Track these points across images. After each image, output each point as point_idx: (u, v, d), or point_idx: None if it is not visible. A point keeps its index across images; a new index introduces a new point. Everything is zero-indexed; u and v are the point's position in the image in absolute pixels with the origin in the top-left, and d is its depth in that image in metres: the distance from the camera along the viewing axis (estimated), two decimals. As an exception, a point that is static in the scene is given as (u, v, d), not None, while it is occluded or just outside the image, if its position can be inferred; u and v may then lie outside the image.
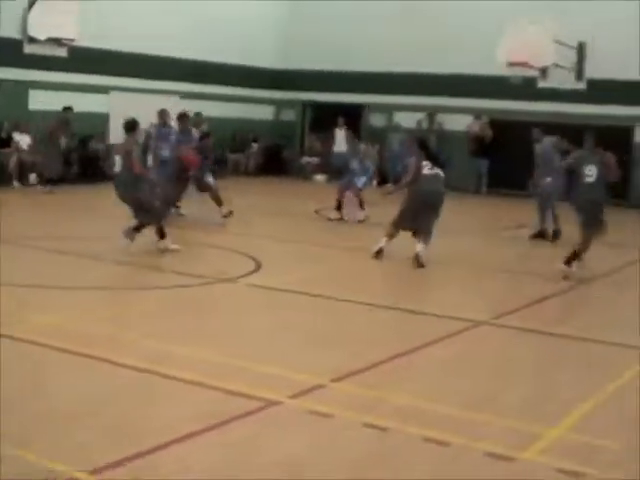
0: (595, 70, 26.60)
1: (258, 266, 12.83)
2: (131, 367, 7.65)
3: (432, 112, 28.36)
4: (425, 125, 28.18)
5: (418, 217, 13.87)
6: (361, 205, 19.38)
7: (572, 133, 26.48)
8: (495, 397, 7.49)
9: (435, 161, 14.16)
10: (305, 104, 32.02)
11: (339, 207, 19.40)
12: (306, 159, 30.26)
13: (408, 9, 29.76)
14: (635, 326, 10.15)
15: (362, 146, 21.74)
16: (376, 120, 30.31)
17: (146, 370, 7.58)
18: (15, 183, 22.67)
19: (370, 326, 9.96)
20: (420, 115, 28.73)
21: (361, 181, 19.74)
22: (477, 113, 28.22)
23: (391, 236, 13.93)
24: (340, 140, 29.26)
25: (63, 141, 23.47)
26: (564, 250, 13.70)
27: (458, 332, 9.65)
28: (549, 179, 17.35)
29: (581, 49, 26.89)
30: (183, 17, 27.99)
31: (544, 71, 26.65)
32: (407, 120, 28.60)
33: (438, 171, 14.02)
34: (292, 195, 21.43)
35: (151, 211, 13.77)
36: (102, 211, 18.54)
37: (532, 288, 12.55)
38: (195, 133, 18.88)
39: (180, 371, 7.56)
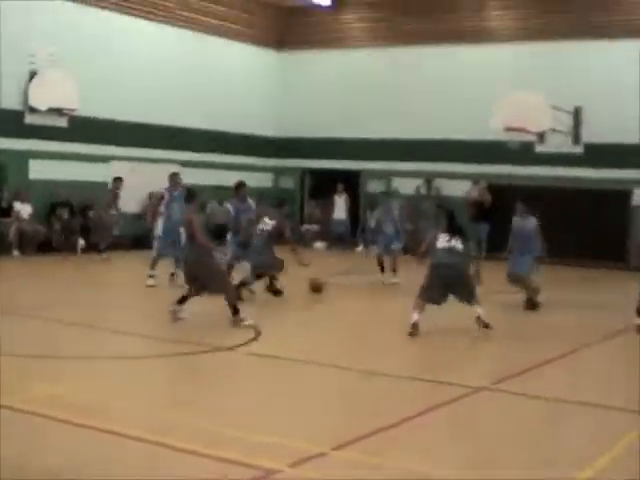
0: (592, 134, 26.91)
1: (258, 334, 12.84)
2: (131, 437, 7.63)
3: (430, 178, 28.55)
4: (423, 191, 28.36)
5: (442, 291, 13.65)
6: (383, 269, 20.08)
7: (570, 197, 27.06)
8: (496, 460, 7.49)
9: (456, 233, 13.80)
10: (304, 171, 32.27)
11: (383, 269, 20.09)
12: (306, 226, 30.43)
13: (404, 76, 30.25)
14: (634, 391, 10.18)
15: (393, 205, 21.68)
16: (374, 186, 30.57)
17: (146, 440, 7.56)
18: (15, 252, 22.79)
19: (369, 393, 9.92)
20: (418, 181, 28.92)
21: (398, 245, 20.24)
22: (475, 178, 28.39)
23: (421, 308, 13.49)
24: (339, 207, 29.56)
25: (114, 211, 24.21)
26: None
27: (458, 398, 9.61)
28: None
29: (577, 114, 27.18)
30: (184, 88, 28.49)
31: (541, 136, 26.91)
32: (405, 186, 28.74)
33: (455, 244, 13.65)
34: (291, 262, 21.40)
35: (224, 283, 13.86)
36: (102, 280, 18.64)
37: (526, 353, 12.55)
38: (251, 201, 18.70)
39: (179, 440, 7.54)
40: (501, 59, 28.83)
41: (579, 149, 27.36)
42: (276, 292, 16.81)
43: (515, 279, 16.81)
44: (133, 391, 9.54)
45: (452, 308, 13.82)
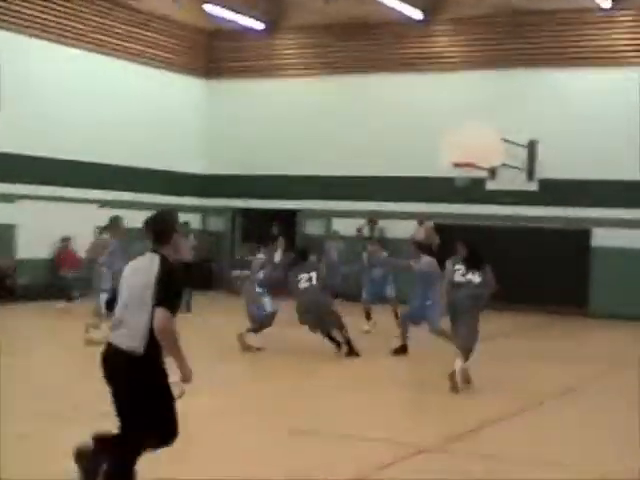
0: (547, 169, 27.32)
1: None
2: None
3: (373, 218, 28.73)
4: (366, 232, 28.54)
5: (455, 329, 14.02)
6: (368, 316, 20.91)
7: (525, 237, 27.47)
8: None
9: (474, 265, 14.07)
10: (235, 212, 32.29)
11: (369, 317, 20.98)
12: (236, 272, 30.24)
13: (345, 107, 30.46)
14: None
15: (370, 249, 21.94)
16: (313, 228, 30.67)
17: None
18: None
19: (307, 454, 9.97)
20: (360, 221, 29.10)
21: (392, 290, 20.77)
22: (422, 218, 28.65)
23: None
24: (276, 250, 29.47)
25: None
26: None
27: (404, 458, 9.73)
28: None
29: (531, 148, 27.58)
30: (102, 119, 28.38)
31: (493, 172, 27.19)
32: (346, 227, 29.02)
33: (472, 277, 13.93)
34: (220, 312, 21.55)
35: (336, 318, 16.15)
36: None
37: (477, 409, 12.72)
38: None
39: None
40: (450, 89, 29.24)
41: (533, 186, 27.75)
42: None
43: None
44: None
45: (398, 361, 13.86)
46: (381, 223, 28.79)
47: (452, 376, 13.43)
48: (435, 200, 28.82)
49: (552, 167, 27.22)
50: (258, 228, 29.61)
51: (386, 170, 29.65)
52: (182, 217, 26.36)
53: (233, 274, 29.17)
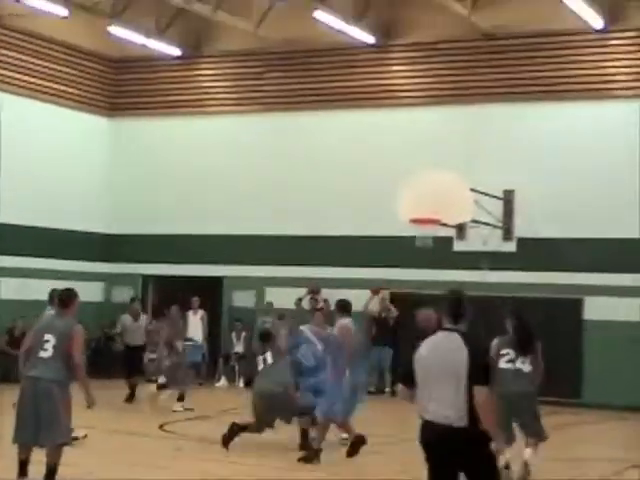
0: (528, 226, 27.08)
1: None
2: None
3: (315, 288, 28.33)
4: (306, 305, 28.13)
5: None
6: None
7: (501, 309, 27.05)
8: None
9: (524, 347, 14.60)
10: (146, 279, 31.82)
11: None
12: (148, 355, 29.63)
13: (280, 151, 30.53)
14: None
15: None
16: (241, 299, 30.37)
17: None
18: None
19: None
20: (300, 291, 28.70)
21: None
22: (375, 287, 28.33)
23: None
24: (194, 327, 28.97)
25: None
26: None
27: None
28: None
29: (508, 201, 27.33)
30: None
31: (461, 229, 26.93)
32: (283, 298, 28.66)
33: (522, 366, 14.55)
34: (130, 408, 21.11)
35: None
36: None
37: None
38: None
39: None
40: (408, 128, 29.35)
41: (511, 246, 27.49)
42: None
43: None
44: None
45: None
46: (325, 293, 28.38)
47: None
48: (391, 264, 28.70)
49: (533, 223, 26.93)
50: (174, 299, 29.08)
51: (330, 228, 29.60)
52: (80, 287, 26.29)
53: (144, 357, 28.62)
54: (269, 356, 17.67)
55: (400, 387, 9.74)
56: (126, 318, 25.10)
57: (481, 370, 8.85)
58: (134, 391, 24.21)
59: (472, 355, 8.88)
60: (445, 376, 8.89)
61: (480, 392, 8.71)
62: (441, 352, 9.03)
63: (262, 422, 17.28)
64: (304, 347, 18.90)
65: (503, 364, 14.49)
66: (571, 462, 17.98)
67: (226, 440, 17.03)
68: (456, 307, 9.42)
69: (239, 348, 29.21)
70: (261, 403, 17.28)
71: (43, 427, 12.83)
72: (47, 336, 13.02)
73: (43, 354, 12.96)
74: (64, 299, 13.41)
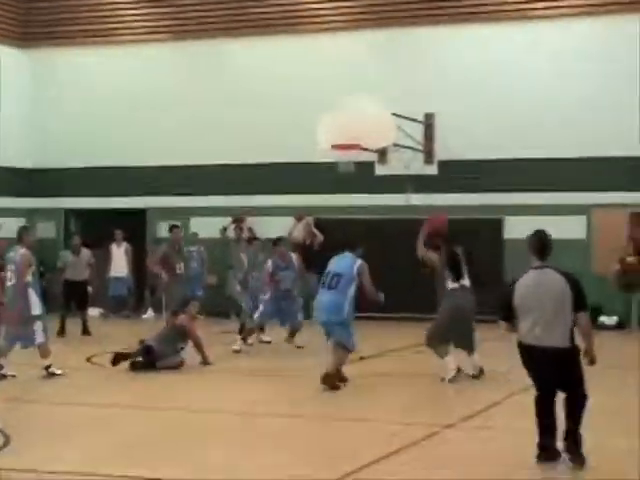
0: (449, 149, 27.49)
1: (6, 441, 12.52)
2: None
3: (240, 215, 28.53)
4: (232, 233, 28.41)
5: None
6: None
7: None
8: None
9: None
10: (68, 213, 31.81)
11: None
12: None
13: (200, 80, 30.63)
14: None
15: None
16: (166, 230, 30.51)
17: None
18: None
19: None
20: (225, 220, 28.96)
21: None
22: (299, 214, 28.62)
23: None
24: (119, 260, 29.17)
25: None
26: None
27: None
28: None
29: (429, 125, 27.72)
30: None
31: (383, 154, 27.24)
32: (207, 228, 28.93)
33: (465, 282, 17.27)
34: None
35: None
36: None
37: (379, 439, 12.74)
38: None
39: None
40: (326, 53, 29.52)
41: (433, 169, 27.87)
42: None
43: None
44: None
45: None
46: (250, 221, 28.63)
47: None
48: (314, 191, 29.00)
49: (454, 146, 27.34)
50: (98, 232, 29.24)
51: (253, 156, 29.80)
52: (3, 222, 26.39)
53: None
54: None
55: (503, 324, 11.43)
56: (66, 254, 25.19)
57: (582, 298, 10.80)
58: (64, 325, 24.40)
59: (573, 286, 10.77)
60: (552, 305, 10.75)
61: (583, 317, 10.80)
62: (546, 286, 10.85)
63: None
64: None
65: (450, 283, 16.32)
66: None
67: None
68: (543, 246, 11.14)
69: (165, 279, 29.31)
70: None
71: None
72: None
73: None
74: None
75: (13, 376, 17.69)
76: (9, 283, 17.86)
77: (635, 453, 11.27)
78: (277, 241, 22.33)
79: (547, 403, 11.17)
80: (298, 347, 21.89)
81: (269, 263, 21.86)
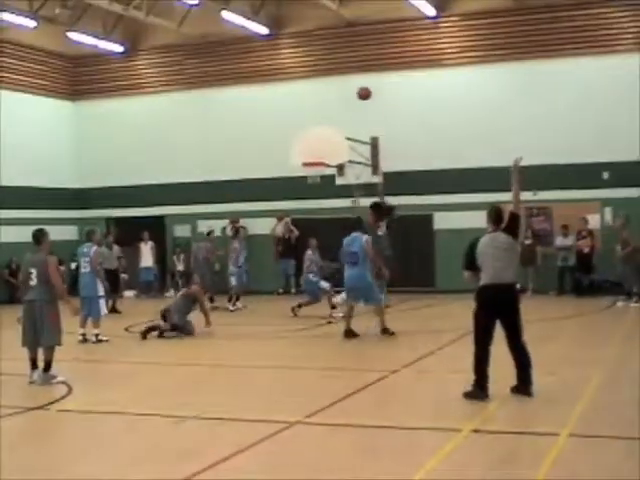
0: (390, 164, 27.65)
1: (70, 390, 12.66)
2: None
3: (234, 218, 28.59)
4: (229, 232, 28.49)
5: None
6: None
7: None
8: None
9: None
10: (109, 221, 31.91)
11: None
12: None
13: (202, 119, 30.62)
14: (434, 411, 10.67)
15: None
16: (180, 231, 30.64)
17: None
18: None
19: (178, 439, 9.87)
20: (224, 222, 29.02)
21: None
22: (280, 215, 28.76)
23: None
24: (146, 254, 29.32)
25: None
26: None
27: (271, 435, 9.69)
28: None
29: (374, 145, 27.86)
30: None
31: (341, 168, 27.37)
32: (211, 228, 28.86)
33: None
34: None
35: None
36: None
37: (340, 384, 12.83)
38: None
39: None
40: (295, 96, 29.60)
41: (378, 178, 28.03)
42: None
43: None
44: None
45: (264, 343, 13.83)
46: (243, 222, 28.73)
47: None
48: (291, 197, 29.01)
49: (393, 160, 27.48)
50: (131, 234, 29.32)
51: (244, 173, 29.79)
52: (59, 230, 26.38)
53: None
54: None
55: (466, 273, 11.88)
56: (103, 250, 25.33)
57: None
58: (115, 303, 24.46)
59: (515, 242, 11.32)
60: (506, 255, 11.17)
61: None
62: (499, 242, 11.21)
63: None
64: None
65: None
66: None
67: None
68: (498, 217, 11.38)
69: (180, 267, 29.28)
70: None
71: (39, 334, 13.39)
72: (31, 269, 13.53)
73: (32, 283, 13.46)
74: (37, 237, 13.77)
75: (107, 340, 18.01)
76: (83, 271, 18.32)
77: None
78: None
79: (488, 347, 11.16)
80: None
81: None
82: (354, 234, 17.70)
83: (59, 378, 13.27)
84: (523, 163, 11.86)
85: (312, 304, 21.91)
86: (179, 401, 11.92)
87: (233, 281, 24.11)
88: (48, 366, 13.34)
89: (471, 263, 11.56)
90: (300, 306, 21.88)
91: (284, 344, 17.73)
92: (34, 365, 13.44)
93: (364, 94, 25.59)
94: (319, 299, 21.99)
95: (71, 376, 13.46)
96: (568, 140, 26.37)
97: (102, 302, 18.41)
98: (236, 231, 25.24)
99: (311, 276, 21.99)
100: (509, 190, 11.80)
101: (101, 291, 18.33)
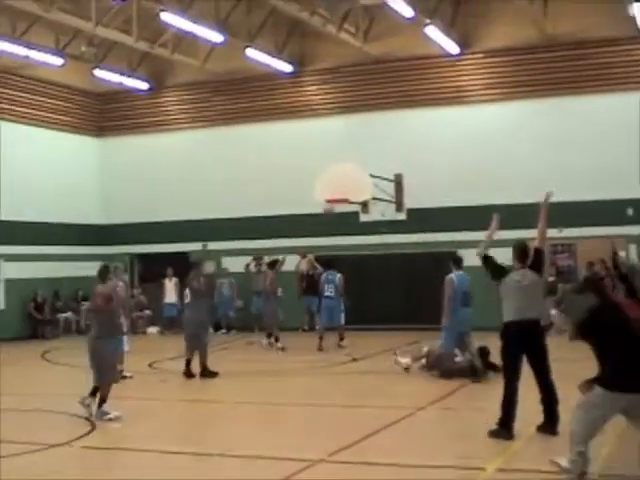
0: (414, 201, 27.70)
1: (93, 427, 12.68)
2: None
3: (258, 255, 28.65)
4: (253, 268, 28.53)
5: None
6: None
7: (398, 262, 27.71)
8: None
9: None
10: (132, 257, 32.02)
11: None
12: (137, 314, 30.04)
13: (227, 155, 30.72)
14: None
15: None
16: (204, 267, 30.58)
17: None
18: None
19: (202, 476, 9.87)
20: (247, 259, 29.08)
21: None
22: (303, 252, 28.73)
23: None
24: (170, 290, 29.37)
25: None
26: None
27: (296, 473, 9.66)
28: None
29: (398, 182, 27.96)
30: (3, 180, 28.05)
31: (365, 205, 27.45)
32: (235, 264, 28.98)
33: None
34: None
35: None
36: None
37: (366, 421, 12.79)
38: None
39: None
40: (320, 133, 29.61)
41: (402, 215, 28.08)
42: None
43: None
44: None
45: (287, 380, 13.81)
46: (267, 259, 28.68)
47: None
48: (315, 234, 28.90)
49: (417, 197, 27.54)
50: (154, 270, 29.41)
51: (269, 210, 29.80)
52: (83, 266, 26.50)
53: (134, 315, 28.93)
54: None
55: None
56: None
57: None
58: None
59: (540, 278, 11.29)
60: (531, 292, 11.15)
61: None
62: (527, 280, 11.16)
63: None
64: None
65: None
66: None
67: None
68: (523, 253, 11.38)
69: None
70: None
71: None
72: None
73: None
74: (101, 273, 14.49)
75: (130, 377, 17.91)
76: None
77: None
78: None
79: (516, 385, 11.09)
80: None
81: None
82: (460, 272, 17.53)
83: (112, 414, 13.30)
84: (552, 199, 11.83)
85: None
86: (203, 438, 11.91)
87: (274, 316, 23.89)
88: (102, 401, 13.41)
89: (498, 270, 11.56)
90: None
91: (310, 381, 17.70)
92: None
93: (327, 210, 25.60)
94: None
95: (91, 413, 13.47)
96: (592, 176, 26.27)
97: (125, 338, 18.44)
98: (273, 264, 24.85)
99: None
100: (534, 227, 11.79)
101: (124, 328, 18.34)
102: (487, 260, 11.63)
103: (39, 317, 28.52)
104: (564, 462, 8.62)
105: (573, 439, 8.49)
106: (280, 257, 24.61)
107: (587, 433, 8.45)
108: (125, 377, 17.94)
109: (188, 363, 17.99)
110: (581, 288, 10.31)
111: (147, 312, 30.30)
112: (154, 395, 16.37)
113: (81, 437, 12.00)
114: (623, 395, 8.20)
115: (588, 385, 8.49)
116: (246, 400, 15.33)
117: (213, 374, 17.79)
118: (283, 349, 22.62)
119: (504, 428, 10.99)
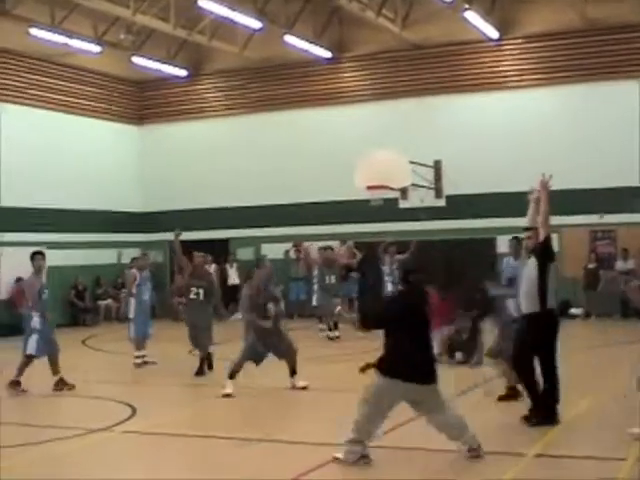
0: (453, 187, 27.67)
1: (133, 412, 12.82)
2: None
3: (297, 242, 28.73)
4: (292, 255, 28.61)
5: None
6: None
7: (439, 248, 27.67)
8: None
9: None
10: (171, 244, 32.11)
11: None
12: (177, 299, 30.10)
13: (266, 142, 30.74)
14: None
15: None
16: (244, 254, 30.75)
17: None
18: None
19: (245, 462, 9.95)
20: (287, 245, 29.18)
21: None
22: (343, 238, 28.72)
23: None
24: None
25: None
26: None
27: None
28: None
29: (438, 169, 27.93)
30: (45, 168, 28.50)
31: (404, 192, 27.42)
32: (274, 251, 29.02)
33: None
34: (165, 338, 21.58)
35: None
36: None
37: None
38: None
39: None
40: (360, 119, 29.64)
41: (441, 202, 28.06)
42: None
43: None
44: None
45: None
46: (306, 245, 28.78)
47: None
48: (355, 221, 28.92)
49: (457, 184, 27.49)
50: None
51: (308, 197, 29.86)
52: (124, 253, 26.66)
53: (174, 301, 29.03)
54: None
55: None
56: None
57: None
58: None
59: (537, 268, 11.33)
60: (526, 284, 11.36)
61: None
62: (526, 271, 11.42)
63: None
64: None
65: None
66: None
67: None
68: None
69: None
70: None
71: None
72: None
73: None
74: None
75: (154, 362, 18.09)
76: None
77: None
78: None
79: (532, 373, 11.23)
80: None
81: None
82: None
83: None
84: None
85: None
86: (244, 424, 12.00)
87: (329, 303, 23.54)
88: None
89: None
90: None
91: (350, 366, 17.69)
92: None
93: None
94: None
95: (134, 398, 13.62)
96: (632, 162, 26.05)
97: (150, 322, 18.66)
98: (299, 254, 24.96)
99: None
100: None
101: (132, 313, 18.54)
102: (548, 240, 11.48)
103: (80, 304, 28.79)
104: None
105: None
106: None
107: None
108: (147, 363, 18.04)
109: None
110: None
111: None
112: (197, 381, 16.44)
113: (122, 422, 12.14)
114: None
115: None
116: (286, 386, 15.31)
117: None
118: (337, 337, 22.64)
119: (540, 413, 11.09)
